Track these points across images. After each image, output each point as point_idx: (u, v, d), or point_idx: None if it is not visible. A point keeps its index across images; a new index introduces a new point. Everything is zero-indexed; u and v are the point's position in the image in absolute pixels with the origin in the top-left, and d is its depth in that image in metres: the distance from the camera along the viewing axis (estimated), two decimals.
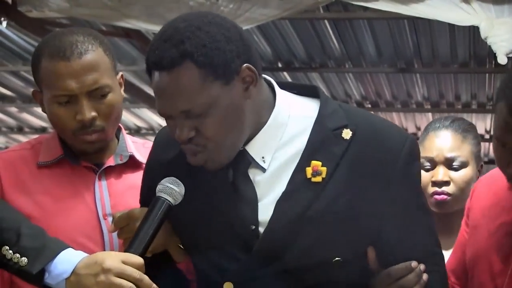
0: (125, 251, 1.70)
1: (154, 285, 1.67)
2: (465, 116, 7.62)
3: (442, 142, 2.55)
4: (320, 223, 1.66)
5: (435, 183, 2.52)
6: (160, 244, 1.79)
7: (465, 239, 2.03)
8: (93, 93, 1.99)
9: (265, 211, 1.68)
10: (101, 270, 1.65)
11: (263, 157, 1.69)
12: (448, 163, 2.53)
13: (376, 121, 1.75)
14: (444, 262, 1.79)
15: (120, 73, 2.10)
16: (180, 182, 1.73)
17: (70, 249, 1.75)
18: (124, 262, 1.66)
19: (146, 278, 1.66)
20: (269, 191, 1.69)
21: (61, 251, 1.73)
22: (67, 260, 1.71)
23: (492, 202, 1.95)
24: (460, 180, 2.52)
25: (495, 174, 2.01)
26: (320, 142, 1.69)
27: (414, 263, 1.70)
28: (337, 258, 1.68)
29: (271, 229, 1.67)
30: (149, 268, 1.74)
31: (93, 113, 1.99)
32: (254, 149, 1.69)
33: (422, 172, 2.54)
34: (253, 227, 1.68)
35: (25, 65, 7.15)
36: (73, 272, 1.69)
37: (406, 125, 8.79)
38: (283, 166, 1.69)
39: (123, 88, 2.12)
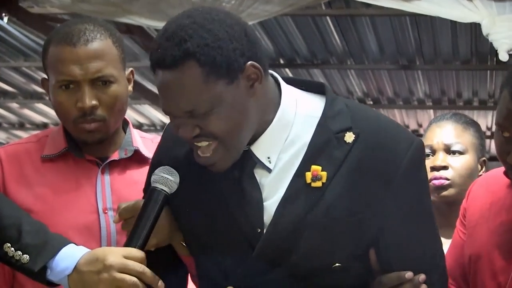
0: (125, 245, 1.69)
1: (157, 277, 1.66)
2: (467, 113, 7.61)
3: (442, 130, 2.60)
4: (319, 228, 1.62)
5: (433, 168, 2.55)
6: (165, 239, 1.77)
7: (461, 240, 2.02)
8: (96, 81, 1.98)
9: (269, 213, 1.65)
10: (103, 267, 1.65)
11: (268, 158, 1.65)
12: (447, 149, 2.57)
13: (382, 123, 1.69)
14: (444, 271, 1.75)
15: (130, 69, 2.10)
16: (175, 171, 1.71)
17: (71, 244, 1.74)
18: (125, 257, 1.65)
19: (148, 271, 1.66)
20: (273, 192, 1.66)
21: (62, 248, 1.72)
22: (69, 257, 1.71)
23: (491, 201, 1.94)
24: (459, 165, 2.55)
25: (493, 174, 2.01)
26: (321, 146, 1.64)
27: (408, 274, 1.66)
28: (337, 264, 1.65)
29: (270, 234, 1.64)
30: (153, 260, 1.73)
31: (94, 102, 1.98)
32: (260, 149, 1.66)
33: None
34: (259, 230, 1.65)
35: (26, 61, 7.16)
36: (75, 268, 1.69)
37: (408, 122, 8.79)
38: (287, 167, 1.65)
39: (132, 84, 2.10)
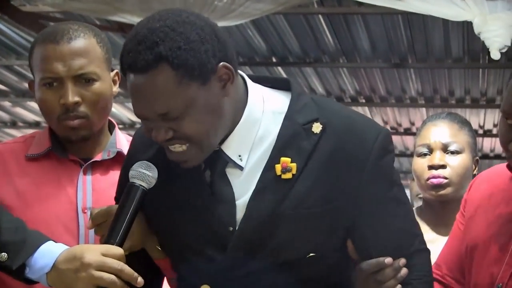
0: (104, 242, 1.69)
1: (136, 274, 1.66)
2: (459, 111, 7.64)
3: (439, 129, 2.63)
4: (292, 220, 1.64)
5: (431, 167, 2.57)
6: (138, 243, 1.77)
7: (460, 232, 2.04)
8: (79, 78, 2.00)
9: (242, 211, 1.66)
10: (81, 265, 1.64)
11: (239, 156, 1.67)
12: (445, 149, 2.60)
13: (349, 114, 1.72)
14: (426, 253, 1.76)
15: (115, 71, 2.11)
16: (153, 166, 1.71)
17: (50, 242, 1.74)
18: (104, 255, 1.65)
19: (127, 268, 1.65)
20: (245, 190, 1.67)
21: (41, 245, 1.72)
22: (48, 254, 1.70)
23: (491, 193, 1.96)
24: (456, 164, 2.58)
25: (496, 169, 2.03)
26: (289, 138, 1.66)
27: (387, 259, 1.68)
28: (311, 254, 1.66)
29: (243, 229, 1.65)
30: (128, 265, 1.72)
31: (77, 98, 1.99)
32: (230, 147, 1.67)
33: (419, 158, 2.61)
34: (231, 228, 1.66)
35: (18, 59, 7.14)
36: (54, 266, 1.68)
37: (400, 120, 8.81)
38: (258, 163, 1.67)
39: (117, 85, 2.11)
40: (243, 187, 1.67)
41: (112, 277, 1.63)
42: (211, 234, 1.67)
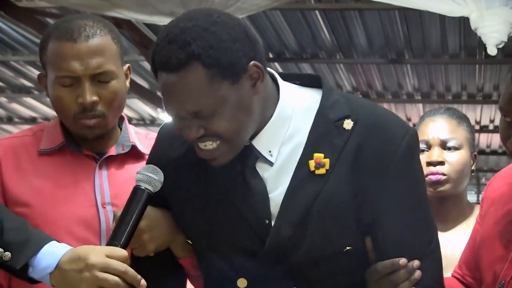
0: (108, 244, 1.69)
1: (139, 276, 1.66)
2: (456, 107, 7.63)
3: (438, 125, 2.62)
4: (327, 214, 1.66)
5: (430, 163, 2.57)
6: (165, 243, 1.78)
7: (476, 231, 2.04)
8: (96, 77, 1.98)
9: (275, 206, 1.68)
10: (85, 266, 1.64)
11: (270, 151, 1.69)
12: (443, 145, 2.60)
13: (378, 111, 1.74)
14: (438, 257, 1.76)
15: (127, 65, 2.11)
16: (159, 169, 1.73)
17: (53, 242, 1.73)
18: (108, 256, 1.65)
19: (130, 270, 1.65)
20: (277, 185, 1.69)
21: (44, 245, 1.72)
22: (51, 254, 1.70)
23: (503, 191, 1.96)
24: (455, 161, 2.57)
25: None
26: (321, 134, 1.69)
27: (402, 260, 1.68)
28: (348, 247, 1.68)
29: (279, 225, 1.67)
30: (150, 264, 1.75)
31: (95, 97, 1.98)
32: (261, 143, 1.69)
33: None
34: (267, 221, 1.68)
35: (15, 55, 7.14)
36: (57, 266, 1.68)
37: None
38: (289, 159, 1.69)
39: (128, 80, 2.12)
40: (274, 182, 1.69)
41: (116, 278, 1.64)
42: (247, 228, 1.69)
